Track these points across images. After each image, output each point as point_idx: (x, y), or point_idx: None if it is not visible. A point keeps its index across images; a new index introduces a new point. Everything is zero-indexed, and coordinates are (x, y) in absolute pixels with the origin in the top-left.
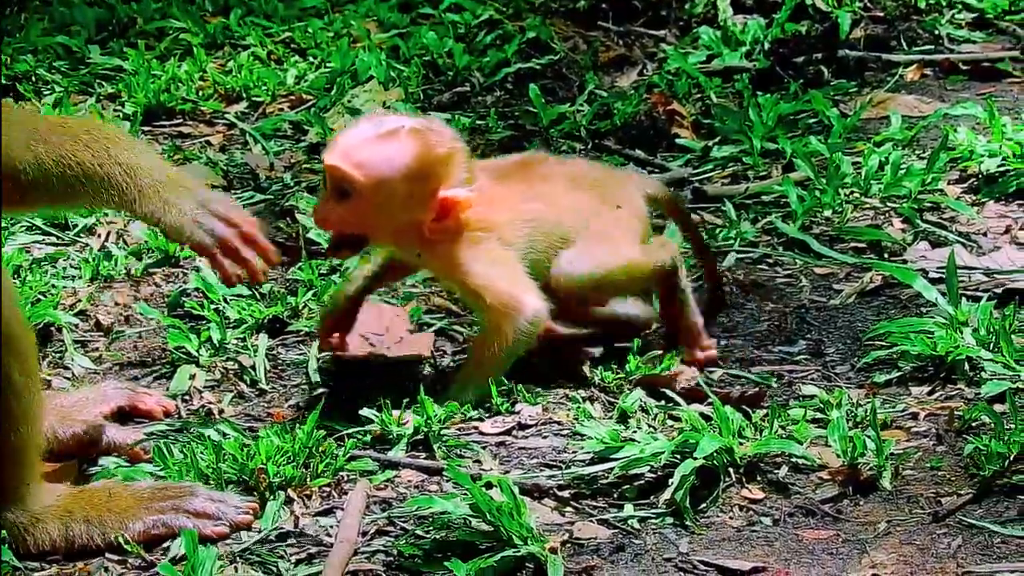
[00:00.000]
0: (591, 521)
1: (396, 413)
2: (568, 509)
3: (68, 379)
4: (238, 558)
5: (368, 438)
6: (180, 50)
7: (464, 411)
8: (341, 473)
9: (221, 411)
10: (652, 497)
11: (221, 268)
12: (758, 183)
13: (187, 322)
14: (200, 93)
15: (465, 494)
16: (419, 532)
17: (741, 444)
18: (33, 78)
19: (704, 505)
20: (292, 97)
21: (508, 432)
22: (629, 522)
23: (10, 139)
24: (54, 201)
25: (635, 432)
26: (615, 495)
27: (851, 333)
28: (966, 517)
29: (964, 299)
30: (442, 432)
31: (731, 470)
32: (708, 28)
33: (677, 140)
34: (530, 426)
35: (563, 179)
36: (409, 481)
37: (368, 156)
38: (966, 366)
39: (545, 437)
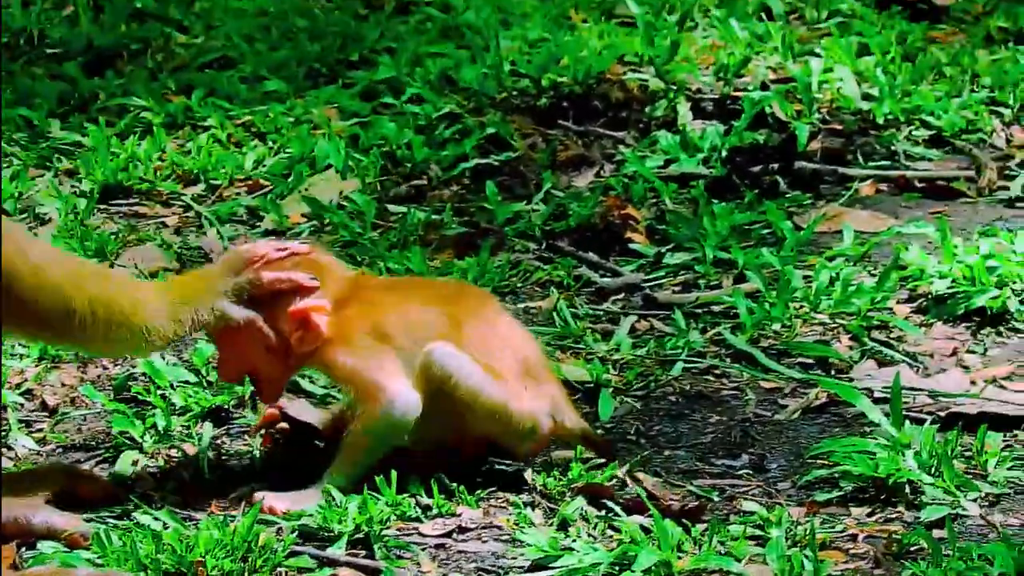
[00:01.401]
0: None
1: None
2: None
3: (11, 459)
4: None
5: (308, 532)
6: (140, 128)
7: (405, 508)
8: (280, 569)
9: (163, 499)
10: None
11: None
12: (709, 293)
13: (132, 407)
14: (158, 173)
15: None
16: None
17: (680, 558)
18: None
19: None
20: (249, 182)
21: (448, 534)
22: None
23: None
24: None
25: (575, 541)
26: None
27: (794, 449)
28: None
29: (908, 421)
30: (383, 532)
31: None
32: (667, 132)
33: (631, 245)
34: (470, 529)
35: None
36: None
37: None
38: (907, 489)
39: (485, 541)
